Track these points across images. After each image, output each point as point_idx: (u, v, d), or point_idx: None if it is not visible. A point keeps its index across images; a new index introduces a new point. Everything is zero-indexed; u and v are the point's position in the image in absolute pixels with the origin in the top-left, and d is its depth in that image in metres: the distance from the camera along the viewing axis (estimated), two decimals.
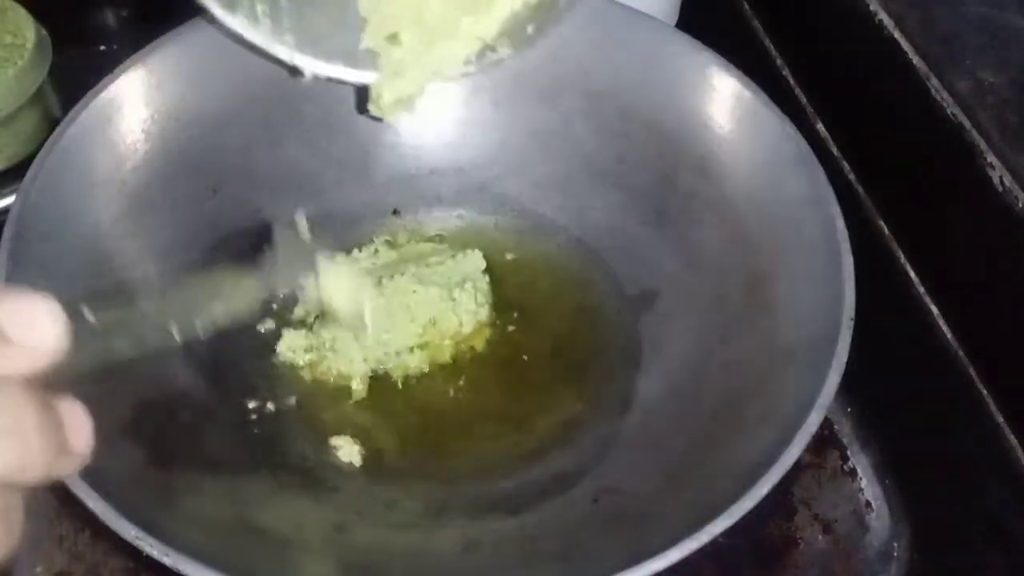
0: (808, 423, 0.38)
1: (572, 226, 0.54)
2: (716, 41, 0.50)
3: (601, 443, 0.47)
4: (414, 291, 0.49)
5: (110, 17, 0.68)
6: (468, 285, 0.50)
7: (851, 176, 0.53)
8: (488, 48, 0.42)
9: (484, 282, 0.52)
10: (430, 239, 0.54)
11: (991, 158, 0.43)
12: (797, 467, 0.40)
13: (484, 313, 0.51)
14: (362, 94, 0.45)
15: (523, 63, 0.53)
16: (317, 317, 0.50)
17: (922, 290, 0.48)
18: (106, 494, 0.35)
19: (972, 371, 0.45)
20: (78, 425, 0.21)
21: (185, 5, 0.50)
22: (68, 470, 0.20)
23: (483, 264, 0.52)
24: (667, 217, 0.52)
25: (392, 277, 0.49)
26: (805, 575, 0.48)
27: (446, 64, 0.42)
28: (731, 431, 0.42)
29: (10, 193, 0.53)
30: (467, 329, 0.50)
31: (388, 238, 0.54)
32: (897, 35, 0.48)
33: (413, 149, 0.55)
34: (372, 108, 0.43)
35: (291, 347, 0.49)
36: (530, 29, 0.42)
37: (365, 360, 0.48)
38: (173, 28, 0.49)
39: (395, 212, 0.55)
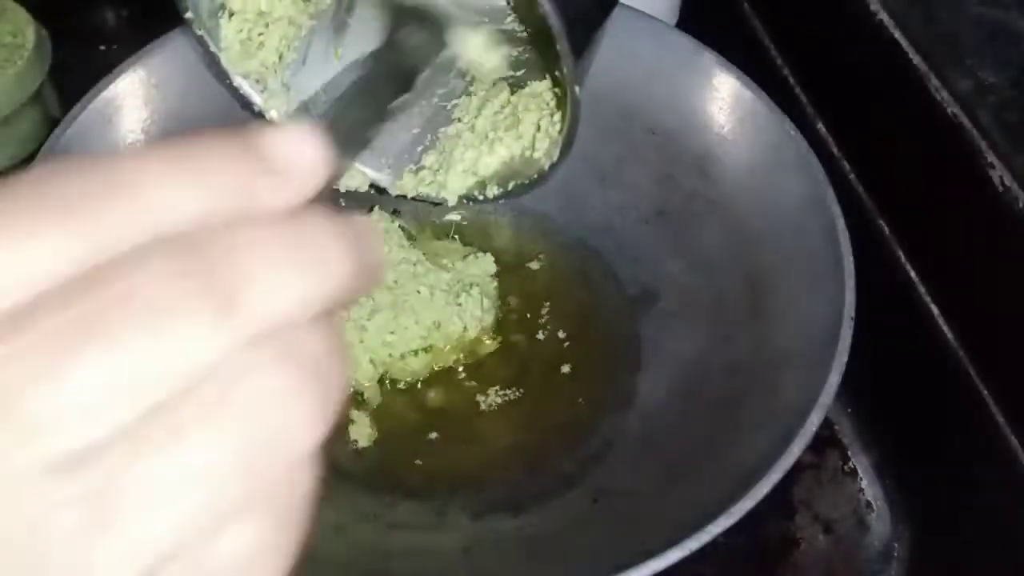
0: (808, 423, 0.38)
1: (572, 226, 0.54)
2: (716, 41, 0.50)
3: (601, 443, 0.47)
4: (419, 293, 0.49)
5: (110, 17, 0.68)
6: (475, 290, 0.50)
7: (851, 176, 0.52)
8: (480, 188, 0.47)
9: (492, 287, 0.51)
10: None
11: (991, 158, 0.43)
12: (797, 467, 0.40)
13: (490, 318, 0.50)
14: None
15: None
16: None
17: (922, 290, 0.48)
18: None
19: (972, 371, 0.45)
20: (367, 236, 0.18)
21: None
22: (367, 288, 0.18)
23: (493, 268, 0.52)
24: (667, 217, 0.52)
25: (396, 281, 0.49)
26: (805, 575, 0.47)
27: (448, 191, 0.48)
28: (731, 431, 0.42)
29: None
30: (471, 334, 0.50)
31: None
32: (897, 35, 0.48)
33: None
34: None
35: None
36: (511, 185, 0.46)
37: (371, 362, 0.48)
38: (173, 28, 0.49)
39: (395, 212, 0.54)
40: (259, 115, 0.47)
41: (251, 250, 0.16)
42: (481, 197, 0.47)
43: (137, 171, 0.16)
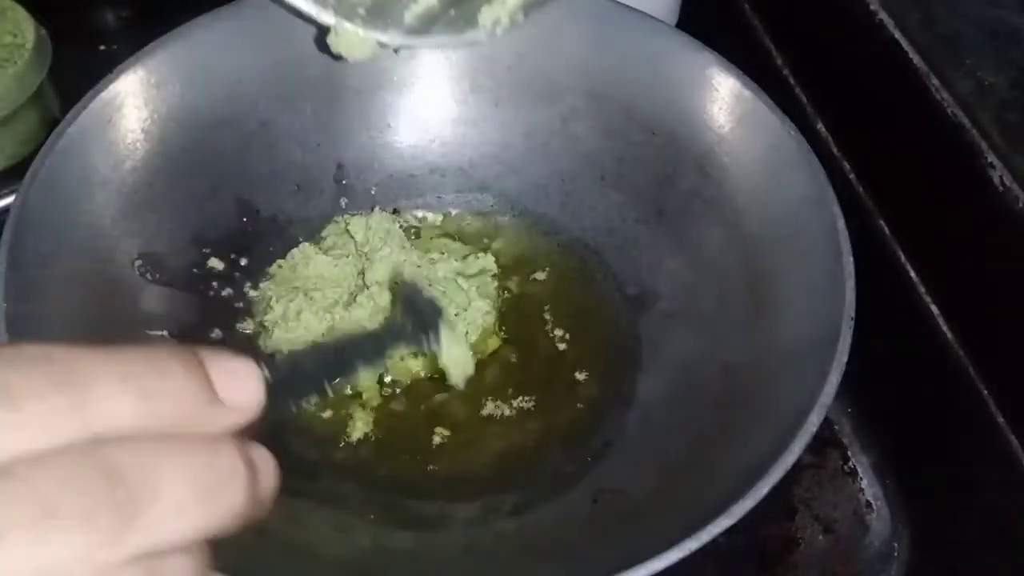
0: (808, 423, 0.38)
1: (572, 226, 0.54)
2: (716, 41, 0.50)
3: (601, 443, 0.47)
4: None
5: (110, 17, 0.68)
6: (475, 291, 0.50)
7: (851, 176, 0.53)
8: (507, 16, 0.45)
9: (492, 287, 0.51)
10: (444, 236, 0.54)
11: (991, 158, 0.43)
12: (797, 467, 0.40)
13: (491, 320, 0.50)
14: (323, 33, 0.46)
15: (523, 63, 0.53)
16: None
17: (922, 290, 0.48)
18: None
19: (972, 371, 0.45)
20: (269, 471, 0.21)
21: (185, 5, 0.50)
22: (257, 517, 0.21)
23: (493, 268, 0.52)
24: (667, 217, 0.52)
25: (397, 282, 0.49)
26: (805, 575, 0.48)
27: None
28: (731, 431, 0.42)
29: (10, 193, 0.53)
30: (473, 336, 0.50)
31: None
32: (897, 35, 0.48)
33: (413, 149, 0.55)
34: (335, 44, 0.44)
35: None
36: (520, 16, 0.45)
37: None
38: (173, 28, 0.49)
39: (395, 212, 0.55)
40: (307, 19, 0.46)
41: (163, 475, 0.17)
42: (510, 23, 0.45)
43: (88, 373, 0.17)
